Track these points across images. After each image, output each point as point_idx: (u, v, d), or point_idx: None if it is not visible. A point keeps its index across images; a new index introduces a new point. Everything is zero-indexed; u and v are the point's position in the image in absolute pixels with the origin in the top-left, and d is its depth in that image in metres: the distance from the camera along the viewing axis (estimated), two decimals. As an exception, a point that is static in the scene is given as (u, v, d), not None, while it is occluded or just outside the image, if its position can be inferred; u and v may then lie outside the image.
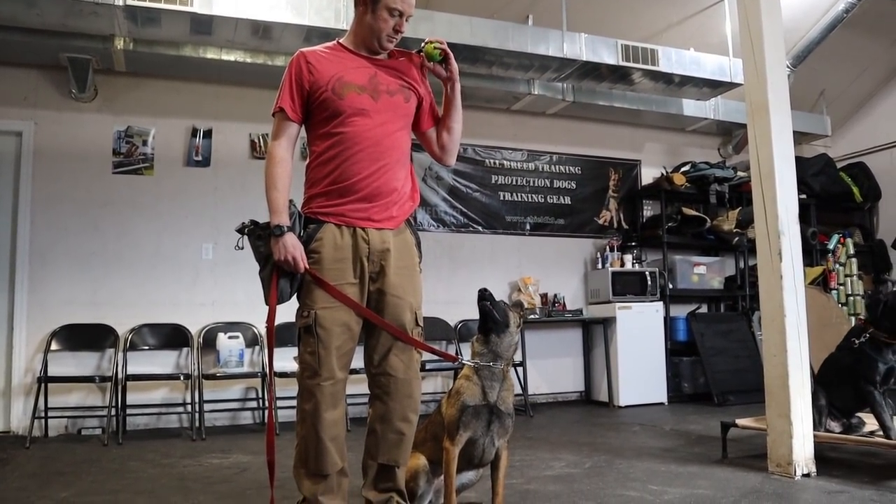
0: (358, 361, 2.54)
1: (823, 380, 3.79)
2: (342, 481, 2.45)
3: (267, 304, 2.42)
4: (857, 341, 3.65)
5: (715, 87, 6.45)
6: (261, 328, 5.70)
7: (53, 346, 5.24)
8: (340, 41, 2.58)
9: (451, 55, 2.61)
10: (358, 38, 2.53)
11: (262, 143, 5.98)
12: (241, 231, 2.46)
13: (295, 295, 2.47)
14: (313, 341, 2.37)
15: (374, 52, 2.53)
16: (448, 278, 6.41)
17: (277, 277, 2.40)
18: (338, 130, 2.43)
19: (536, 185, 7.11)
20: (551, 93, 6.50)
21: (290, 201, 2.43)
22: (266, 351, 2.48)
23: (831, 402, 3.71)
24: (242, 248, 2.50)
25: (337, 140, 2.43)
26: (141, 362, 5.39)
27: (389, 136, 2.48)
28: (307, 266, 2.39)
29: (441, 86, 2.67)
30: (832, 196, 7.76)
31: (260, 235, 2.42)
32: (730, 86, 6.40)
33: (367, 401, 2.56)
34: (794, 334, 3.51)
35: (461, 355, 6.16)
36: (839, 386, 3.69)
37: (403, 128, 2.56)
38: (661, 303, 6.83)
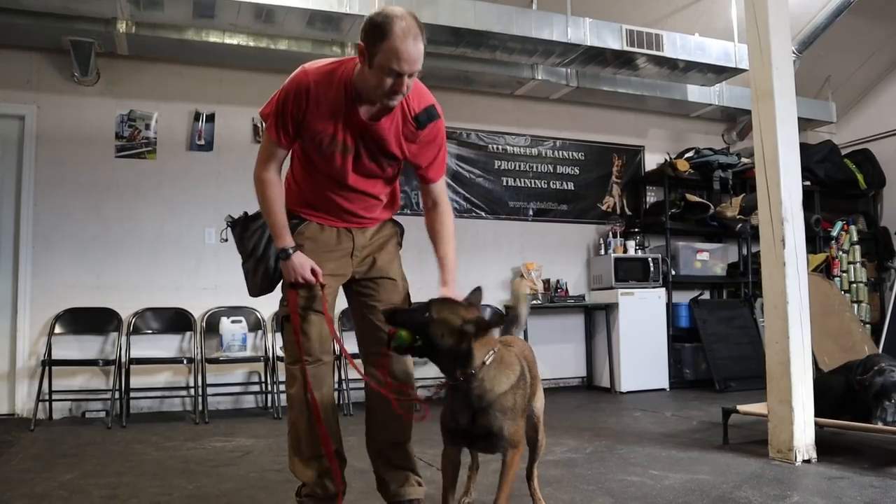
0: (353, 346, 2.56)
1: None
2: (335, 462, 2.46)
3: (251, 294, 2.49)
4: (865, 379, 3.58)
5: (720, 72, 6.41)
6: (264, 313, 5.71)
7: (57, 330, 5.26)
8: (353, 78, 2.25)
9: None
10: (361, 86, 2.25)
11: (264, 128, 5.95)
12: (229, 225, 2.51)
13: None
14: (292, 329, 2.40)
15: (367, 106, 2.29)
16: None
17: (261, 266, 2.45)
18: (319, 170, 2.40)
19: (540, 170, 7.09)
20: (555, 78, 6.47)
21: None
22: (290, 331, 2.44)
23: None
24: (227, 241, 2.52)
25: (318, 177, 2.41)
26: (144, 346, 5.42)
27: (368, 189, 2.45)
28: (321, 280, 2.38)
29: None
30: (836, 183, 7.73)
31: (245, 228, 2.45)
32: (735, 71, 6.36)
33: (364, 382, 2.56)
34: (797, 321, 3.51)
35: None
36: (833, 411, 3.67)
37: (380, 182, 2.48)
38: (663, 289, 6.82)
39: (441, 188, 2.53)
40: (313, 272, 2.36)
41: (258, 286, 2.47)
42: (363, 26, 2.16)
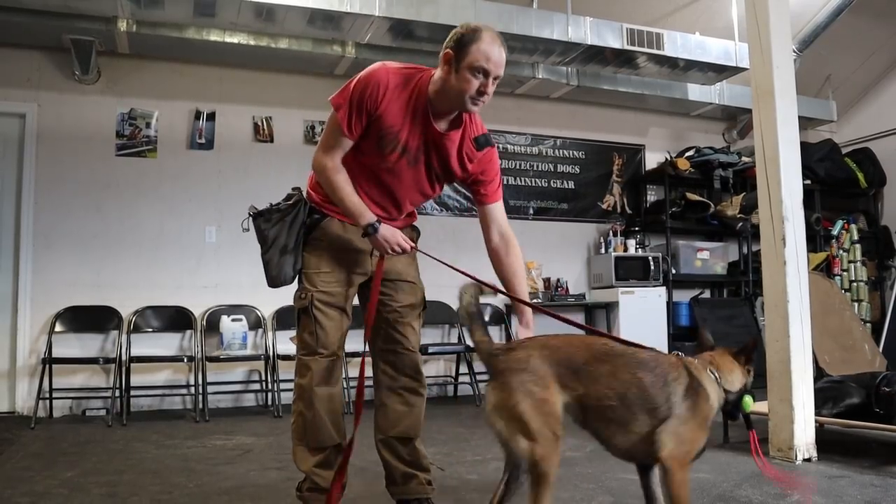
0: (358, 344, 2.56)
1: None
2: (339, 454, 2.46)
3: (270, 285, 2.47)
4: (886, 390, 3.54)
5: (720, 71, 6.41)
6: (264, 311, 5.71)
7: (58, 328, 5.26)
8: (429, 84, 2.30)
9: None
10: (441, 95, 2.28)
11: (265, 126, 5.97)
12: (252, 215, 2.49)
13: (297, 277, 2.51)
14: (310, 322, 2.42)
15: (451, 112, 2.34)
16: (451, 262, 6.37)
17: (283, 257, 2.44)
18: (361, 162, 2.39)
19: (540, 169, 7.09)
20: (556, 77, 6.47)
21: (297, 188, 2.48)
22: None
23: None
24: (248, 230, 2.51)
25: (359, 167, 2.40)
26: (144, 344, 5.42)
27: (414, 189, 2.48)
28: (414, 245, 2.47)
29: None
30: (837, 182, 7.73)
31: (268, 218, 2.45)
32: (735, 70, 6.36)
33: (373, 380, 2.57)
34: (797, 320, 3.52)
35: (463, 340, 6.17)
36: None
37: (419, 195, 2.53)
38: (663, 288, 6.82)
39: (503, 214, 2.62)
40: (404, 240, 2.38)
41: (279, 276, 2.45)
42: (451, 36, 2.26)
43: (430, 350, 5.86)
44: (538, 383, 1.94)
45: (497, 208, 2.59)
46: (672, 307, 6.93)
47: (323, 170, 2.37)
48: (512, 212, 6.87)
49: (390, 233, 2.36)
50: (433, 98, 2.30)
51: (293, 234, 2.45)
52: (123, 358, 5.22)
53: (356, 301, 2.59)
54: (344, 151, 2.36)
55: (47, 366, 5.02)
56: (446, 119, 2.36)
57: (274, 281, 2.47)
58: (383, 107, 2.27)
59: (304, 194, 2.51)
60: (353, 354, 2.65)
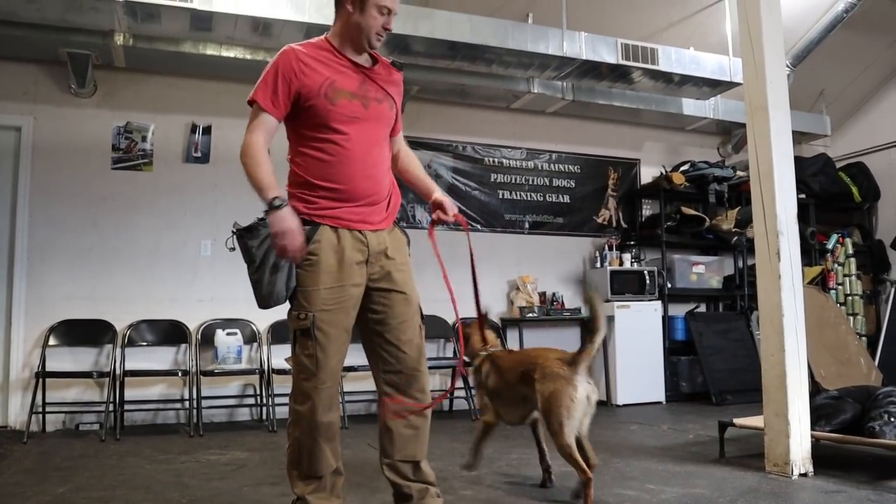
0: (357, 358, 2.54)
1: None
2: (336, 480, 2.46)
3: (261, 306, 2.38)
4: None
5: (714, 86, 6.44)
6: (259, 325, 5.70)
7: (51, 342, 5.24)
8: (328, 38, 2.49)
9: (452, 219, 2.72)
10: (345, 38, 2.46)
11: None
12: (236, 232, 2.38)
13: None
14: (311, 344, 2.34)
15: (360, 52, 2.49)
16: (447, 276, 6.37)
17: (274, 276, 2.34)
18: (329, 137, 2.40)
19: (535, 183, 7.11)
20: (551, 91, 6.50)
21: (281, 198, 2.39)
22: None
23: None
24: (234, 249, 2.39)
25: (328, 147, 2.40)
26: (139, 358, 5.39)
27: (378, 144, 2.49)
28: (295, 256, 2.33)
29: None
30: (831, 196, 7.75)
31: (253, 235, 2.34)
32: (729, 85, 6.39)
33: (377, 398, 2.55)
34: (792, 334, 3.51)
35: (458, 354, 6.16)
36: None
37: (387, 134, 2.57)
38: (659, 302, 6.83)
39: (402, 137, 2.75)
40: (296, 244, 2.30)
41: (270, 296, 2.35)
42: None
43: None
44: None
45: (401, 138, 2.74)
46: (668, 321, 6.93)
47: (244, 145, 2.43)
48: (507, 226, 6.90)
49: (289, 225, 2.28)
50: (339, 45, 2.46)
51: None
52: (117, 372, 5.19)
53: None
54: (269, 133, 2.44)
55: (40, 379, 4.99)
56: (362, 59, 2.51)
57: (264, 301, 2.37)
58: (308, 73, 2.38)
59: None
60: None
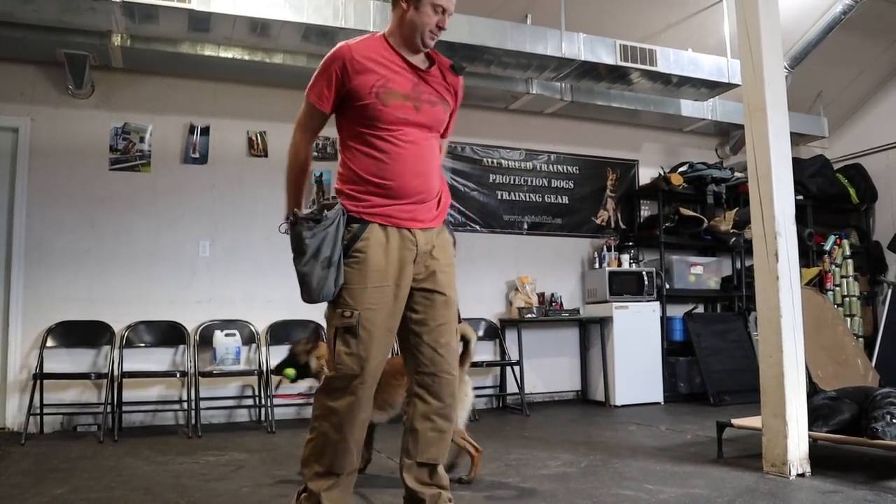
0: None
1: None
2: (351, 478, 2.45)
3: (307, 300, 2.35)
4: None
5: (713, 87, 6.45)
6: (257, 326, 5.69)
7: (49, 343, 5.23)
8: (385, 35, 2.49)
9: None
10: (400, 37, 2.46)
11: (259, 141, 5.98)
12: (291, 220, 2.33)
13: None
14: (355, 342, 2.32)
15: (415, 51, 2.48)
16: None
17: (326, 271, 2.32)
18: (381, 136, 2.40)
19: (534, 184, 7.11)
20: (549, 92, 6.50)
21: (334, 197, 2.39)
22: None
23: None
24: (287, 233, 2.36)
25: (379, 143, 2.40)
26: (137, 359, 5.39)
27: (428, 142, 2.48)
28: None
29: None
30: (829, 197, 7.76)
31: (310, 227, 2.29)
32: (727, 86, 6.40)
33: (408, 400, 2.54)
34: (790, 335, 3.52)
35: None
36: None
37: (438, 134, 2.57)
38: (657, 303, 6.83)
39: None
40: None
41: (320, 291, 2.32)
42: None
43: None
44: None
45: (446, 140, 2.75)
46: (666, 322, 6.93)
47: (292, 145, 2.47)
48: (506, 227, 6.90)
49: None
50: (395, 43, 2.46)
51: (337, 245, 2.33)
52: (115, 373, 5.19)
53: None
54: (315, 128, 2.48)
55: (38, 381, 4.98)
56: (418, 59, 2.50)
57: (313, 295, 2.33)
58: (361, 73, 2.37)
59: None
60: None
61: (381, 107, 2.37)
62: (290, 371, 3.45)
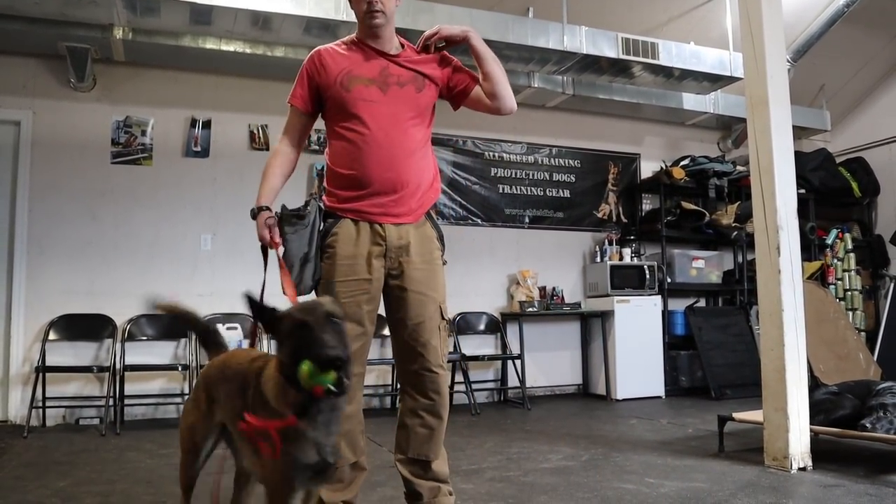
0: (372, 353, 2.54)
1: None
2: (356, 476, 2.45)
3: (285, 293, 2.33)
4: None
5: (715, 81, 6.44)
6: (259, 319, 5.68)
7: (51, 336, 5.24)
8: (357, 35, 2.56)
9: (441, 32, 2.64)
10: (359, 29, 2.54)
11: (260, 134, 5.97)
12: (281, 215, 2.42)
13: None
14: None
15: (374, 37, 2.50)
16: (447, 271, 6.37)
17: (304, 266, 2.39)
18: (347, 124, 2.43)
19: (536, 177, 7.10)
20: (551, 86, 6.49)
21: (312, 194, 2.46)
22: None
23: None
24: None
25: (347, 133, 2.43)
26: (139, 352, 5.40)
27: (399, 127, 2.44)
28: (277, 241, 2.37)
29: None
30: (831, 191, 7.76)
31: (292, 223, 2.39)
32: (730, 80, 6.38)
33: (398, 395, 2.55)
34: (792, 329, 3.52)
35: (459, 348, 6.18)
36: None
37: (415, 118, 2.49)
38: (659, 296, 6.83)
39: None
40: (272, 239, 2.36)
41: (299, 286, 2.35)
42: None
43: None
44: None
45: (481, 86, 2.76)
46: (667, 316, 6.93)
47: (271, 154, 2.55)
48: (507, 220, 6.90)
49: (261, 233, 2.38)
50: (359, 36, 2.53)
51: (313, 241, 2.41)
52: (117, 366, 5.20)
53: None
54: (296, 131, 2.56)
55: (40, 374, 5.00)
56: (389, 45, 2.54)
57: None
58: (327, 67, 2.46)
59: (320, 199, 2.51)
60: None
61: (345, 93, 2.43)
62: None
